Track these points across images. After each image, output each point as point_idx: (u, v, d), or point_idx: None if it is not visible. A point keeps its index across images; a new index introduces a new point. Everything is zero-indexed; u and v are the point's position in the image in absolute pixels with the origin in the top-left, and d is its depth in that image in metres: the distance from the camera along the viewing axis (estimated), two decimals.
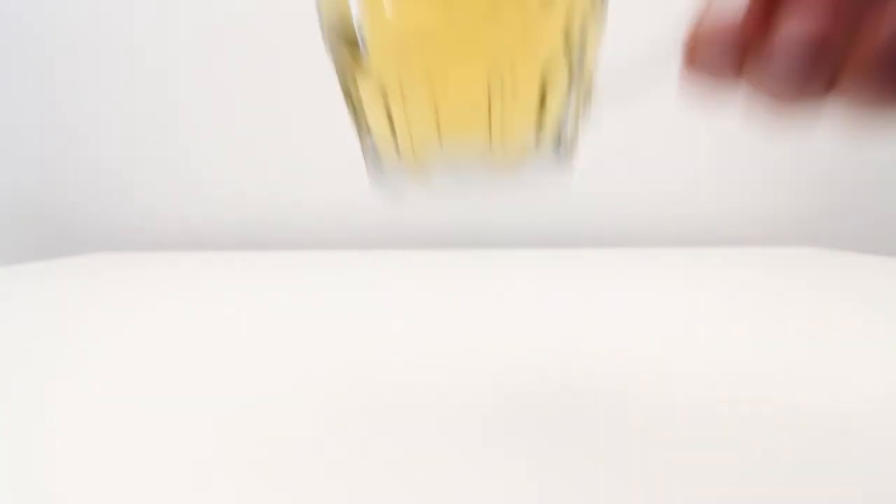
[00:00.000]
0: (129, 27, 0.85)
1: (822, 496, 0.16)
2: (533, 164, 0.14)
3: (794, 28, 0.10)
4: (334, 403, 0.24)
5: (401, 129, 0.13)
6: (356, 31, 0.13)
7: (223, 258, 0.77)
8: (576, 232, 0.85)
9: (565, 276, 0.55)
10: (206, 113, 0.87)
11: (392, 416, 0.22)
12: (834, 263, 0.60)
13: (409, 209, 0.84)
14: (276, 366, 0.30)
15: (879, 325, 0.33)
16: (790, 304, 0.39)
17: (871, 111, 0.11)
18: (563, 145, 0.14)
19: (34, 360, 0.31)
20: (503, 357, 0.28)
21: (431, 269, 0.62)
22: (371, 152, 0.14)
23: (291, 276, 0.63)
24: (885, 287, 0.45)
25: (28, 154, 0.92)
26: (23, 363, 0.31)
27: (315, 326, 0.39)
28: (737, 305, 0.39)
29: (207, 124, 0.87)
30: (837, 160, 0.81)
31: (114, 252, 0.87)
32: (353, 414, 0.23)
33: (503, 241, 0.86)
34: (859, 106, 0.11)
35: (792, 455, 0.19)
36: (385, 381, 0.26)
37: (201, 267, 0.71)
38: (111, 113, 0.89)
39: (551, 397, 0.24)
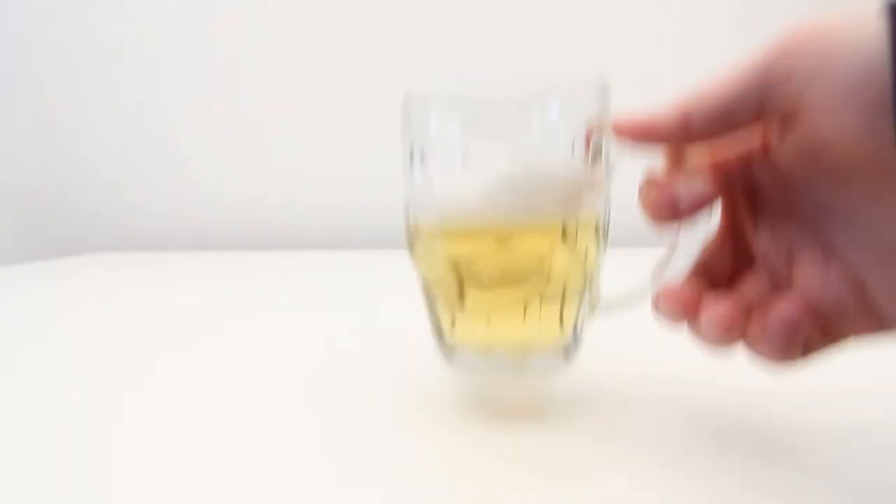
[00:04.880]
0: (128, 31, 0.85)
1: (821, 494, 0.16)
2: (552, 355, 0.20)
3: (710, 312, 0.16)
4: (333, 401, 0.24)
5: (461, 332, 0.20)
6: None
7: (221, 258, 0.77)
8: None
9: None
10: (205, 115, 0.87)
11: (391, 413, 0.22)
12: None
13: None
14: (274, 364, 0.30)
15: None
16: None
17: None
18: (575, 341, 0.20)
19: (35, 359, 0.31)
20: None
21: None
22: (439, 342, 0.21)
23: (289, 276, 0.63)
24: None
25: (28, 156, 0.92)
26: (23, 362, 0.31)
27: (313, 325, 0.39)
28: None
29: (205, 126, 0.87)
30: None
31: (113, 252, 0.87)
32: (352, 411, 0.23)
33: None
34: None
35: (790, 453, 0.19)
36: (384, 380, 0.26)
37: (199, 267, 0.71)
38: (110, 115, 0.89)
39: (555, 397, 0.24)
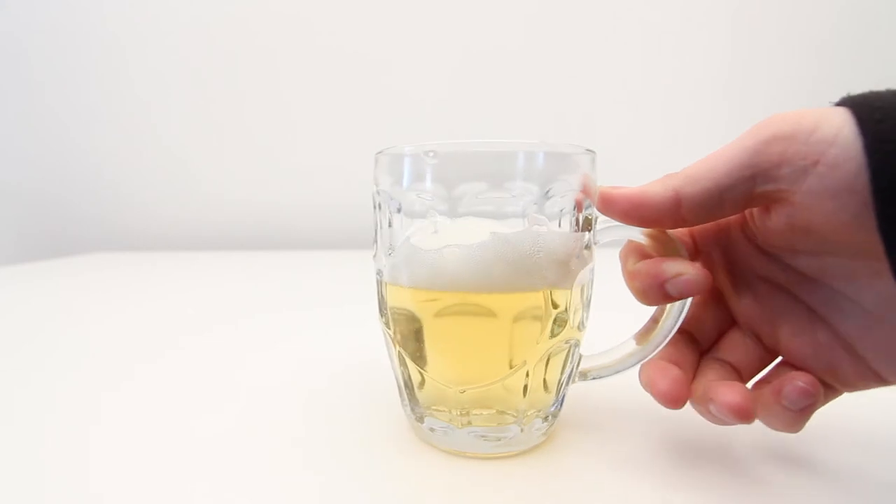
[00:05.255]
0: (128, 33, 0.85)
1: (822, 491, 0.16)
2: (538, 421, 0.19)
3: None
4: (332, 401, 0.24)
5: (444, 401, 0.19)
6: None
7: (221, 258, 0.77)
8: None
9: None
10: (205, 115, 0.87)
11: (389, 414, 0.22)
12: None
13: None
14: (272, 363, 0.30)
15: None
16: None
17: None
18: (557, 405, 0.20)
19: (35, 359, 0.31)
20: None
21: None
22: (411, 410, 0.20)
23: (289, 276, 0.63)
24: None
25: (28, 156, 0.92)
26: (24, 362, 0.31)
27: (312, 325, 0.39)
28: None
29: (205, 126, 0.87)
30: None
31: (113, 252, 0.87)
32: (352, 412, 0.23)
33: None
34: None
35: (786, 449, 0.19)
36: (383, 381, 0.26)
37: (199, 267, 0.71)
38: (110, 115, 0.89)
39: None
